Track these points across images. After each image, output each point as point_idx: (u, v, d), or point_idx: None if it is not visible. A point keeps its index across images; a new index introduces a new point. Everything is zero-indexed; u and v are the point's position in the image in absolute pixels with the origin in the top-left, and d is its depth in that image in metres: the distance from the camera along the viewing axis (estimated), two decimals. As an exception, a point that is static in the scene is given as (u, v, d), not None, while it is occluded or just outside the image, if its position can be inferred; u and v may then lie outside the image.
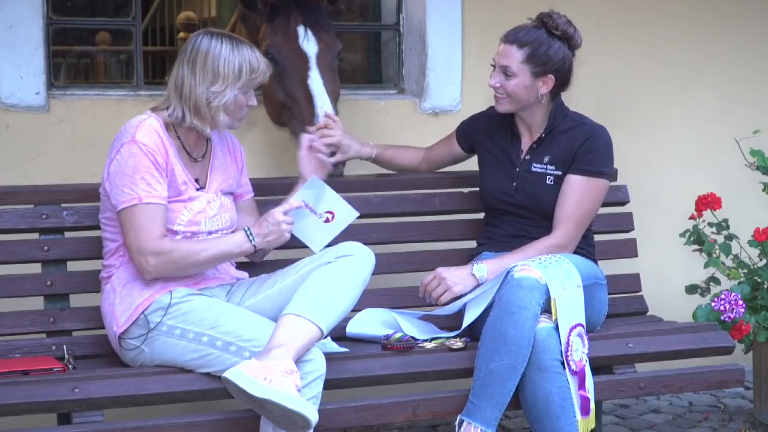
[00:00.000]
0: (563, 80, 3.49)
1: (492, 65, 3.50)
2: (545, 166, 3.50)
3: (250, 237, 3.13)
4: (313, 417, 2.82)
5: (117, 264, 3.14)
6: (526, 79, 3.43)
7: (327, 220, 3.23)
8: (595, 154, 3.48)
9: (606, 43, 4.49)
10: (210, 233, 3.18)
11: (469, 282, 3.35)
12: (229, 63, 3.08)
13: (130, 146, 3.04)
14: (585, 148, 3.47)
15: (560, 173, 3.48)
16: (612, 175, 3.57)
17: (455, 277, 3.35)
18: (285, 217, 3.13)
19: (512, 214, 3.55)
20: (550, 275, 3.19)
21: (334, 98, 3.71)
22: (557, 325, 3.17)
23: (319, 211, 3.24)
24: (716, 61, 4.68)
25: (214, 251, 3.11)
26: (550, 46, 3.43)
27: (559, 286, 3.19)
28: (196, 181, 3.19)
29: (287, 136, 4.13)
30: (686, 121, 4.67)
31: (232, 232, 3.27)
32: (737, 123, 4.53)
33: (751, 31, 4.72)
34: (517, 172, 3.54)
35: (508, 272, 3.22)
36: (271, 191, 3.62)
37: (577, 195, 3.46)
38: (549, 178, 3.49)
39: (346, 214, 3.24)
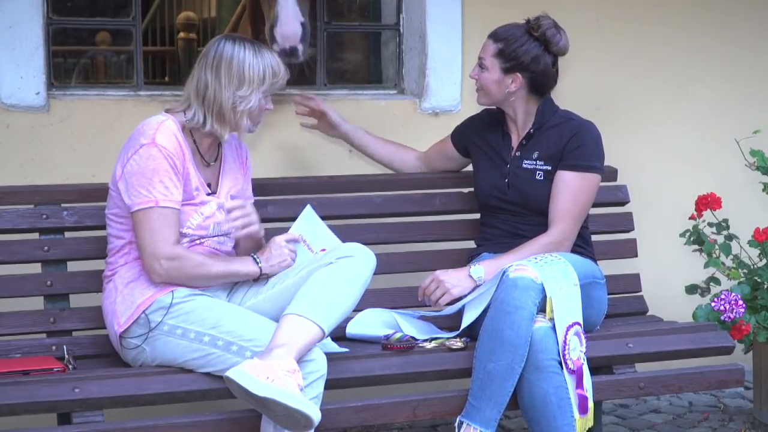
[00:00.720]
0: (536, 82, 3.50)
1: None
2: (535, 162, 3.52)
3: (258, 261, 3.18)
4: (316, 416, 2.82)
5: (121, 262, 3.15)
6: (495, 74, 3.48)
7: None
8: (584, 149, 3.49)
9: (606, 42, 4.50)
10: (215, 236, 3.19)
11: (467, 284, 3.36)
12: (254, 67, 3.11)
13: (150, 148, 3.04)
14: (573, 143, 3.49)
15: (549, 168, 3.50)
16: (603, 169, 3.56)
17: (453, 280, 3.36)
18: (287, 243, 3.22)
19: (506, 212, 3.56)
20: (546, 274, 3.19)
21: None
22: (554, 325, 3.17)
23: (315, 248, 3.30)
24: (715, 60, 4.68)
25: (225, 268, 3.14)
26: (522, 44, 3.47)
27: (555, 285, 3.19)
28: (208, 185, 3.20)
29: (287, 136, 4.14)
30: (686, 120, 4.67)
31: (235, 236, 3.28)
32: (737, 123, 4.53)
33: (750, 30, 4.72)
34: (509, 169, 3.56)
35: (504, 272, 3.22)
36: (271, 191, 3.63)
37: (570, 191, 3.47)
38: (539, 174, 3.51)
39: None
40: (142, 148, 3.05)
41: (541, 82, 3.51)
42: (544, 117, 3.54)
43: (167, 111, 3.18)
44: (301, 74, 4.33)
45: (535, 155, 3.53)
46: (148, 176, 3.03)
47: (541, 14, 3.52)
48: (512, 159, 3.57)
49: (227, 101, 3.11)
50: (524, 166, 3.54)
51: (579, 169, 3.47)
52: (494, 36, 3.51)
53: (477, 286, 3.35)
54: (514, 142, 3.59)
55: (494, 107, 3.62)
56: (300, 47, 3.70)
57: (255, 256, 3.20)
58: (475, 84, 3.56)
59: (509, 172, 3.55)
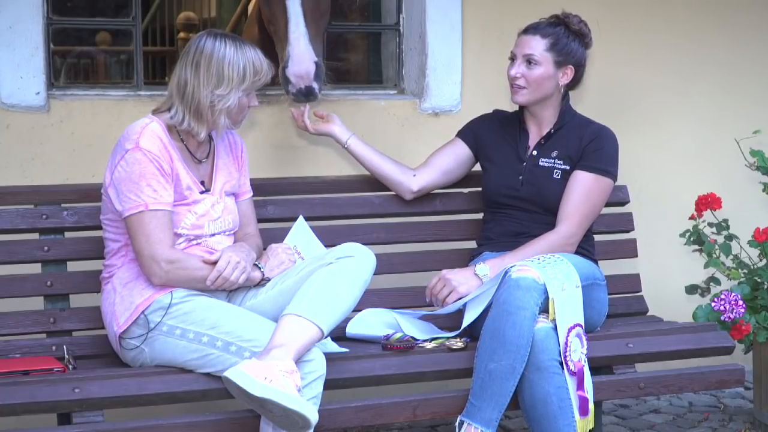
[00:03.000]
0: (580, 75, 3.58)
1: (511, 58, 3.54)
2: (553, 161, 3.54)
3: (259, 266, 3.19)
4: (313, 417, 2.82)
5: (118, 264, 3.14)
6: (549, 68, 3.50)
7: None
8: (603, 152, 3.53)
9: (607, 45, 4.49)
10: (213, 235, 3.19)
11: (473, 282, 3.36)
12: (234, 65, 3.07)
13: (135, 153, 3.03)
14: (593, 145, 3.52)
15: (567, 168, 3.52)
16: (616, 177, 3.60)
17: (460, 278, 3.37)
18: (284, 250, 3.24)
19: (515, 208, 3.56)
20: (548, 275, 3.19)
21: (316, 18, 3.72)
22: (556, 325, 3.18)
23: (307, 259, 3.29)
24: (716, 61, 4.68)
25: None
26: (569, 38, 3.53)
27: (557, 286, 3.19)
28: (202, 183, 3.19)
29: (287, 136, 4.14)
30: (686, 121, 4.67)
31: (233, 233, 3.28)
32: (737, 123, 4.53)
33: (750, 30, 4.72)
34: (524, 167, 3.57)
35: (506, 272, 3.22)
36: (271, 191, 3.63)
37: (583, 191, 3.48)
38: (556, 172, 3.53)
39: None
40: (127, 153, 3.04)
41: (581, 75, 3.58)
42: (565, 118, 3.58)
43: (153, 112, 3.17)
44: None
45: (554, 154, 3.55)
46: (135, 181, 3.02)
47: (562, 12, 3.56)
48: (529, 157, 3.58)
49: (205, 99, 3.07)
50: (541, 164, 3.55)
51: (595, 171, 3.50)
52: (538, 32, 3.51)
53: (483, 284, 3.36)
54: (532, 141, 3.60)
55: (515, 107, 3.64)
56: (315, 86, 3.62)
57: (257, 263, 3.20)
58: (515, 82, 3.51)
59: (525, 170, 3.56)
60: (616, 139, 3.59)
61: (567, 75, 3.53)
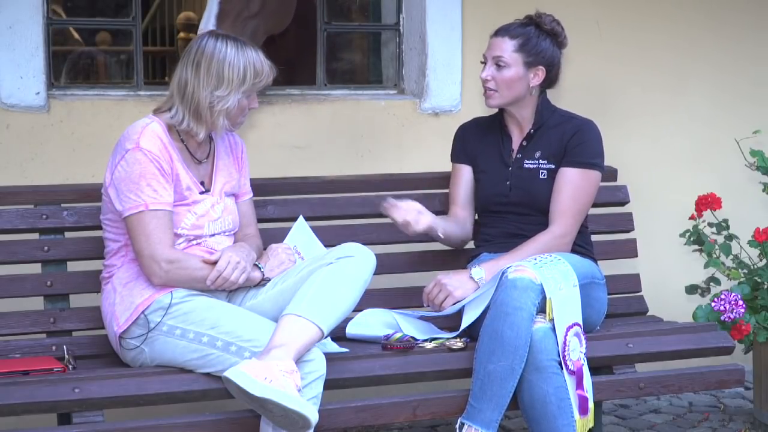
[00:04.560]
0: (552, 75, 3.53)
1: (482, 62, 3.53)
2: (537, 162, 3.52)
3: (259, 266, 3.19)
4: (313, 417, 2.82)
5: (118, 264, 3.14)
6: (519, 70, 3.46)
7: None
8: (586, 146, 3.50)
9: (605, 44, 4.50)
10: (212, 236, 3.19)
11: (469, 285, 3.36)
12: (234, 66, 3.06)
13: (135, 153, 3.03)
14: (575, 140, 3.50)
15: (553, 167, 3.50)
16: (604, 167, 3.57)
17: (455, 282, 3.36)
18: (284, 250, 3.24)
19: (508, 213, 3.55)
20: (545, 275, 3.19)
21: (243, 19, 3.75)
22: (554, 325, 3.17)
23: (307, 259, 3.29)
24: (715, 61, 4.68)
25: None
26: (540, 38, 3.48)
27: (554, 286, 3.19)
28: (201, 183, 3.19)
29: (287, 136, 4.15)
30: (686, 121, 4.67)
31: (233, 234, 3.28)
32: (737, 123, 4.53)
33: (749, 30, 4.72)
34: (510, 171, 3.55)
35: (503, 273, 3.22)
36: (271, 191, 3.63)
37: (572, 188, 3.47)
38: (542, 173, 3.51)
39: None
40: (127, 153, 3.04)
41: (555, 75, 3.54)
42: (543, 117, 3.55)
43: (154, 112, 3.16)
44: (300, 74, 4.33)
45: (538, 155, 3.53)
46: (135, 181, 3.02)
47: (535, 12, 3.52)
48: (514, 161, 3.56)
49: (204, 100, 3.06)
50: (526, 166, 3.53)
51: (581, 165, 3.48)
52: (507, 33, 3.48)
53: (479, 288, 3.35)
54: (515, 144, 3.59)
55: (494, 110, 3.62)
56: None
57: (257, 263, 3.20)
58: (485, 85, 3.50)
59: (511, 174, 3.55)
60: (598, 130, 3.54)
61: (538, 76, 3.49)
